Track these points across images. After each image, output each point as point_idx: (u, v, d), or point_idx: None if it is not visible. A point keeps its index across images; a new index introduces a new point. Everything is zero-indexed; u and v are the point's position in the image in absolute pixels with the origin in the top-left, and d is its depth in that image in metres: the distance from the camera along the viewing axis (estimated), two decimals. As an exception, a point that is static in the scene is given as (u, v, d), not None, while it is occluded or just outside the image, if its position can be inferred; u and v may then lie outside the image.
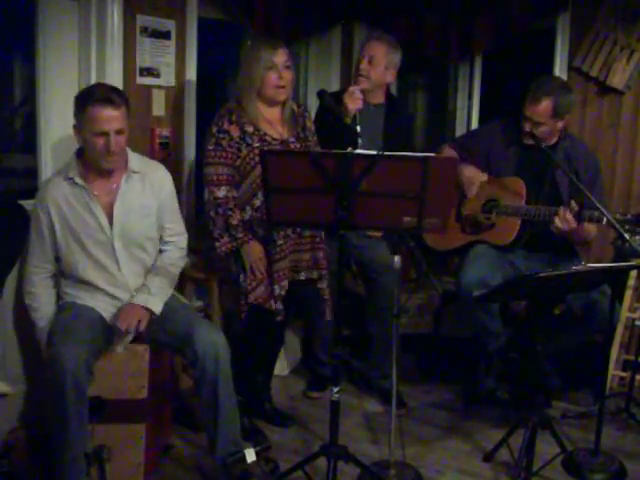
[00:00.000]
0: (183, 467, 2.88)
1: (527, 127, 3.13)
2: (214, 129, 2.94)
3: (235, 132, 2.92)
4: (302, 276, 3.10)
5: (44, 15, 2.97)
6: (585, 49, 3.84)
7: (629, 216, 2.79)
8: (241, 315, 3.00)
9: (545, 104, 3.06)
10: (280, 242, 2.98)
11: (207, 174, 2.94)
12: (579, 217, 2.89)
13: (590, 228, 3.08)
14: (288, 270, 3.03)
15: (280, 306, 3.00)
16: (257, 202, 2.94)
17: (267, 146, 2.90)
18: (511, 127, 3.32)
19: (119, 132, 2.51)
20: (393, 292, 2.71)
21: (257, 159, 2.89)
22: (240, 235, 2.92)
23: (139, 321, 2.58)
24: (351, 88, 3.15)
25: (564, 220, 2.90)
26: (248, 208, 2.95)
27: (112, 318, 2.63)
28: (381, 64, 3.28)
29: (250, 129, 2.93)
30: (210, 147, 2.94)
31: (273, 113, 3.02)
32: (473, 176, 3.32)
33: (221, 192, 2.92)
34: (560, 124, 3.15)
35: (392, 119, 3.39)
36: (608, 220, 2.74)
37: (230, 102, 3.02)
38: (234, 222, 2.92)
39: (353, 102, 3.09)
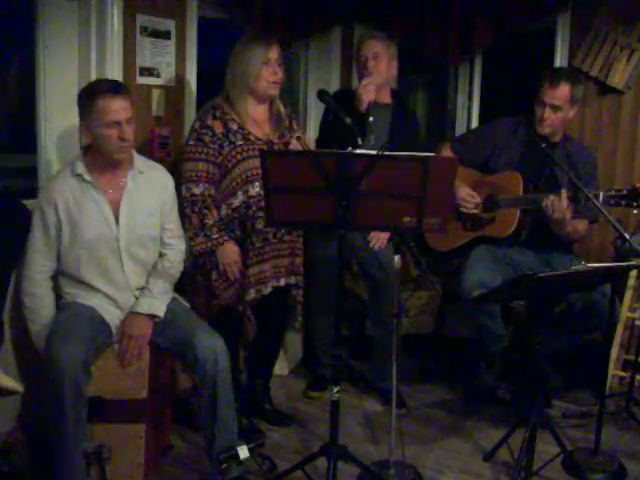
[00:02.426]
0: (183, 467, 2.88)
1: (545, 113, 3.16)
2: (197, 124, 2.92)
3: (218, 128, 2.89)
4: (282, 282, 3.05)
5: (44, 15, 2.98)
6: (585, 49, 3.84)
7: (624, 191, 2.85)
8: (209, 314, 2.97)
9: (564, 87, 3.14)
10: (258, 245, 2.94)
11: (186, 170, 2.90)
12: (575, 199, 2.95)
13: (579, 227, 3.15)
14: (270, 275, 2.98)
15: (250, 311, 2.97)
16: (235, 202, 2.90)
17: (250, 145, 2.89)
18: (516, 125, 3.36)
19: (129, 121, 2.54)
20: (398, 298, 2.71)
21: (239, 157, 2.88)
22: (215, 236, 2.88)
23: (140, 346, 2.62)
24: (365, 81, 3.19)
25: (558, 207, 2.97)
26: (224, 206, 2.92)
27: (115, 327, 2.65)
28: (384, 58, 3.31)
29: (234, 126, 2.91)
30: (191, 142, 2.91)
31: (260, 112, 2.99)
32: (466, 198, 3.33)
33: (199, 189, 2.87)
34: (571, 114, 3.22)
35: (399, 118, 3.40)
36: (607, 219, 2.75)
37: (216, 98, 2.99)
38: (209, 222, 2.87)
39: (367, 92, 3.14)
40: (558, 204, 2.97)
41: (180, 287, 2.95)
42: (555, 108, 3.15)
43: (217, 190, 2.92)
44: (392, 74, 3.40)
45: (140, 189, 2.67)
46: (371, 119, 3.15)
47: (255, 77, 2.90)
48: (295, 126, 3.12)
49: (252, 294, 2.95)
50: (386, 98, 3.40)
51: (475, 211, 3.34)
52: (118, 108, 2.50)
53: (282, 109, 3.06)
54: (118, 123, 2.51)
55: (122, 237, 2.62)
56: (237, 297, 2.96)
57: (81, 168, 2.58)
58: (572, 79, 3.20)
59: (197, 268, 3.00)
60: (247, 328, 3.10)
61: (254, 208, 2.88)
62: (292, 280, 3.09)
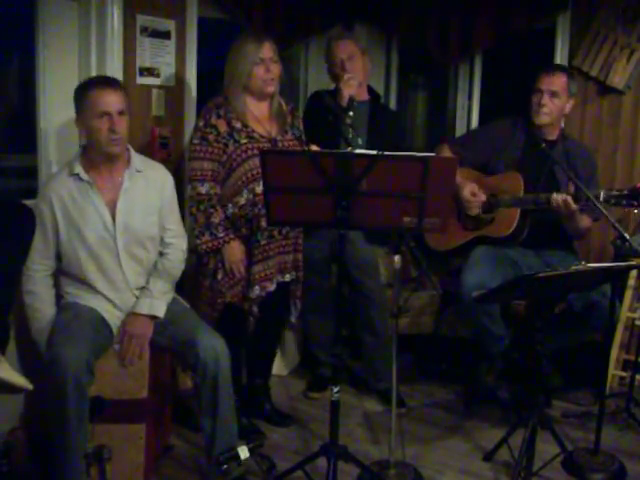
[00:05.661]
0: (183, 467, 2.88)
1: (543, 100, 3.17)
2: (201, 123, 2.92)
3: (222, 127, 2.89)
4: (287, 277, 3.09)
5: (44, 15, 2.98)
6: (585, 49, 3.84)
7: (625, 191, 2.84)
8: (213, 314, 2.97)
9: (560, 75, 3.20)
10: (263, 242, 2.95)
11: (191, 169, 2.91)
12: (576, 198, 2.95)
13: (585, 219, 3.14)
14: (274, 272, 3.01)
15: (256, 308, 2.99)
16: (241, 200, 2.91)
17: (255, 143, 2.89)
18: (514, 126, 3.36)
19: (121, 113, 2.53)
20: (380, 298, 2.68)
21: (244, 156, 2.88)
22: (221, 235, 2.89)
23: (141, 346, 2.63)
24: (346, 76, 3.20)
25: (563, 202, 2.97)
26: (230, 205, 2.92)
27: (115, 328, 2.66)
28: (359, 57, 3.34)
29: (238, 125, 2.91)
30: (196, 141, 2.91)
31: (261, 109, 2.99)
32: (469, 199, 3.33)
33: (204, 188, 2.88)
34: (567, 107, 3.24)
35: (376, 116, 3.41)
36: (607, 218, 2.75)
37: (218, 97, 2.98)
38: (215, 220, 2.88)
39: (348, 87, 3.15)
40: (564, 201, 2.98)
41: (180, 287, 2.96)
42: (552, 94, 3.16)
43: (222, 189, 2.92)
44: (367, 70, 3.44)
45: (138, 188, 2.67)
46: (351, 114, 3.15)
47: (248, 76, 2.90)
48: (297, 123, 3.12)
49: (257, 291, 2.97)
50: (364, 95, 3.42)
51: (477, 211, 3.34)
52: (108, 99, 2.50)
53: (284, 105, 3.07)
54: (108, 114, 2.50)
55: (119, 237, 2.62)
56: (243, 295, 2.98)
57: (78, 168, 2.58)
58: (568, 72, 3.27)
59: (201, 267, 3.00)
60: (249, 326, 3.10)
61: (260, 206, 2.88)
62: (294, 275, 3.12)
